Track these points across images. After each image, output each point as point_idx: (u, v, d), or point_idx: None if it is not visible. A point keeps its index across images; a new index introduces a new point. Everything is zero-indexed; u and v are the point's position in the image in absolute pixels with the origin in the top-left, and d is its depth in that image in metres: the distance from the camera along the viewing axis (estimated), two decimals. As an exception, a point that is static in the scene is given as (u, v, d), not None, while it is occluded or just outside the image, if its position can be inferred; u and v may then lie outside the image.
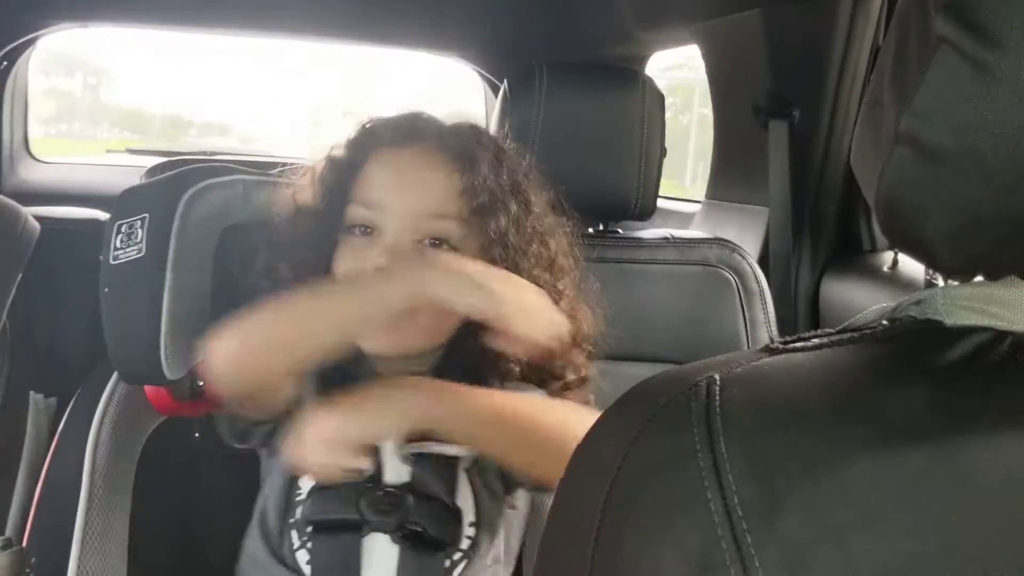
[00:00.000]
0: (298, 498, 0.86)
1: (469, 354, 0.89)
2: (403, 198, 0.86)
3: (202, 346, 0.84)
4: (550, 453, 0.74)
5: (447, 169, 0.87)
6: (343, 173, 0.91)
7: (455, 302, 0.77)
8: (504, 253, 0.87)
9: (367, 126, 0.93)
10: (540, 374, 0.92)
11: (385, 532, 0.83)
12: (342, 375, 0.87)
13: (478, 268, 0.80)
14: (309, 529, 0.84)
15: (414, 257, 0.83)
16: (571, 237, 0.97)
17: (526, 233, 0.90)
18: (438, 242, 0.87)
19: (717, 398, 0.37)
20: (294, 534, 0.85)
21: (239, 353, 0.82)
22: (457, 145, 0.89)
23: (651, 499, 0.36)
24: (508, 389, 0.89)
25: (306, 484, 0.86)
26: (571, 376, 0.93)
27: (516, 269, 0.88)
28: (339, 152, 0.93)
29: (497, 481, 0.90)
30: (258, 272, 0.92)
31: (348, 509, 0.83)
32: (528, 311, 0.79)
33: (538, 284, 0.89)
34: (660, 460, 0.36)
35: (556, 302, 0.91)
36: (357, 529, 0.83)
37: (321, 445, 0.79)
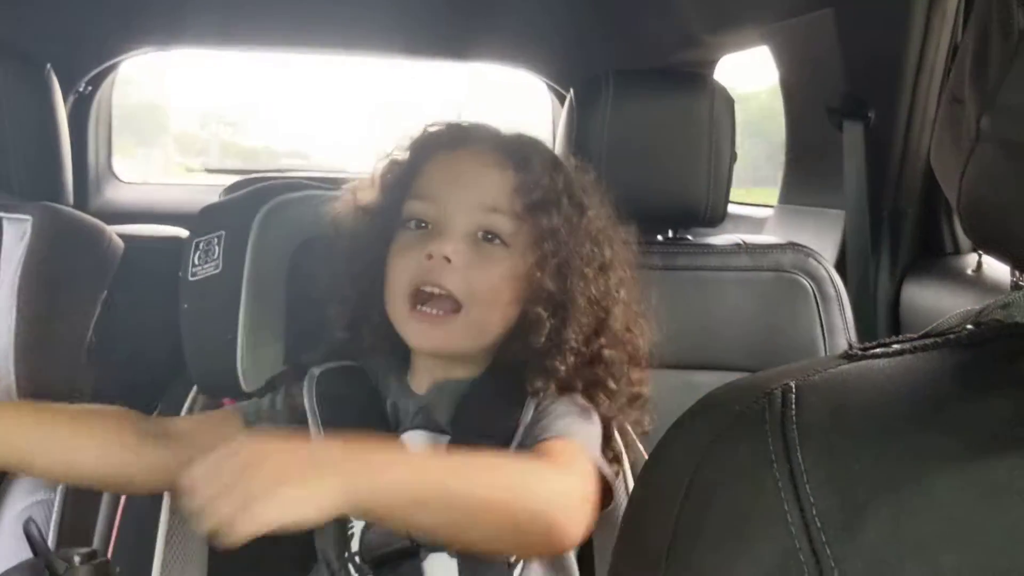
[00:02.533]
0: (350, 532, 0.86)
1: (517, 358, 0.89)
2: (457, 191, 0.88)
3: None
4: (496, 530, 0.68)
5: (501, 166, 0.89)
6: (403, 172, 0.93)
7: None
8: (556, 250, 0.88)
9: (428, 129, 0.95)
10: (591, 389, 0.91)
11: (440, 550, 0.83)
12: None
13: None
14: (368, 566, 0.84)
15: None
16: (633, 251, 0.96)
17: (579, 232, 0.90)
18: (491, 236, 0.87)
19: (793, 407, 0.36)
20: (351, 567, 0.85)
21: None
22: (511, 147, 0.91)
23: (725, 511, 0.35)
24: (551, 398, 0.88)
25: (358, 521, 0.86)
26: (622, 397, 0.91)
27: (567, 266, 0.88)
28: (399, 153, 0.95)
29: None
30: (323, 271, 0.94)
31: (399, 539, 0.82)
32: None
33: (587, 282, 0.88)
34: (734, 471, 0.36)
35: (609, 306, 0.90)
36: (415, 555, 0.83)
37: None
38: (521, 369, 0.89)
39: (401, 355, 0.94)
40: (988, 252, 0.41)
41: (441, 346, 0.88)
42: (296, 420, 0.91)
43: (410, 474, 0.66)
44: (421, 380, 0.92)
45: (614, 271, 0.92)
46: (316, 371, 0.92)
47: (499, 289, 0.87)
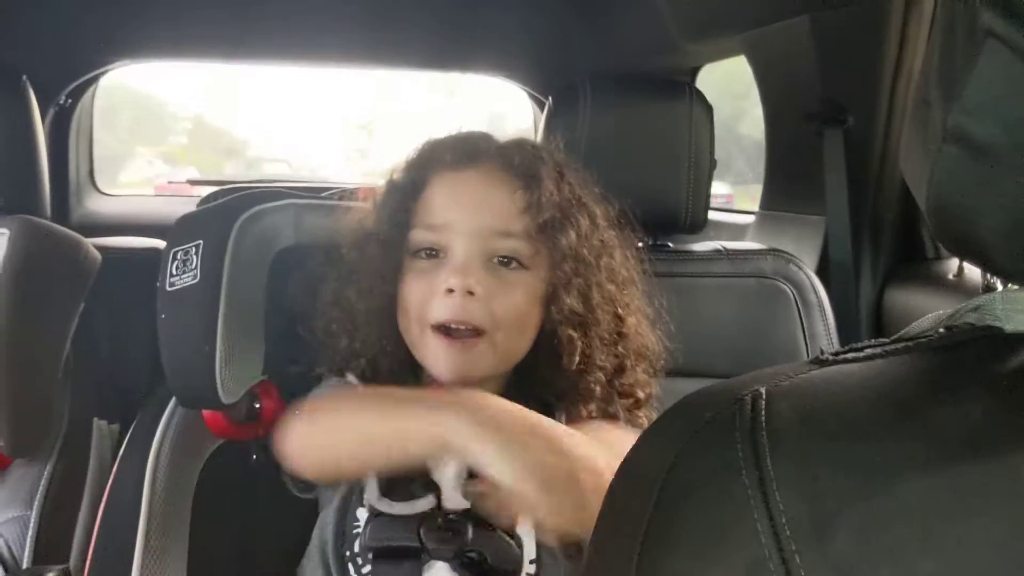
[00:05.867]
0: (355, 530, 0.86)
1: (539, 378, 0.89)
2: (467, 218, 0.85)
3: (283, 420, 0.85)
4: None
5: (510, 187, 0.86)
6: (405, 196, 0.90)
7: (480, 465, 0.74)
8: (576, 268, 0.86)
9: (426, 147, 0.92)
10: (609, 393, 0.90)
11: (444, 560, 0.82)
12: None
13: (545, 435, 0.74)
14: (369, 556, 0.84)
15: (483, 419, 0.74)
16: (633, 249, 0.95)
17: (595, 247, 0.88)
18: (507, 260, 0.86)
19: (763, 412, 0.36)
20: (350, 567, 0.85)
21: (319, 446, 0.83)
22: (519, 162, 0.87)
23: (694, 519, 0.35)
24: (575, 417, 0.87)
25: (363, 515, 0.86)
26: (640, 394, 0.91)
27: (587, 284, 0.87)
28: (399, 176, 0.92)
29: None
30: (327, 302, 0.92)
31: (408, 536, 0.82)
32: (555, 492, 0.71)
33: (610, 299, 0.88)
34: (704, 478, 0.35)
35: (625, 317, 0.90)
36: (417, 556, 0.82)
37: None
38: (542, 391, 0.88)
39: (413, 379, 0.92)
40: (957, 255, 0.41)
41: (468, 372, 0.85)
42: None
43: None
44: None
45: (623, 277, 0.92)
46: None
47: (524, 312, 0.86)
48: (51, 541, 1.12)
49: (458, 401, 0.76)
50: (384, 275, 0.89)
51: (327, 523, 0.88)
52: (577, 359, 0.87)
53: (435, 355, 0.85)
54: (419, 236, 0.87)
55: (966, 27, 0.36)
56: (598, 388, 0.88)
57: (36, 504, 1.13)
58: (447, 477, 0.84)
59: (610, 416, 0.90)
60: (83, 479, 1.20)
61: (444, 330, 0.84)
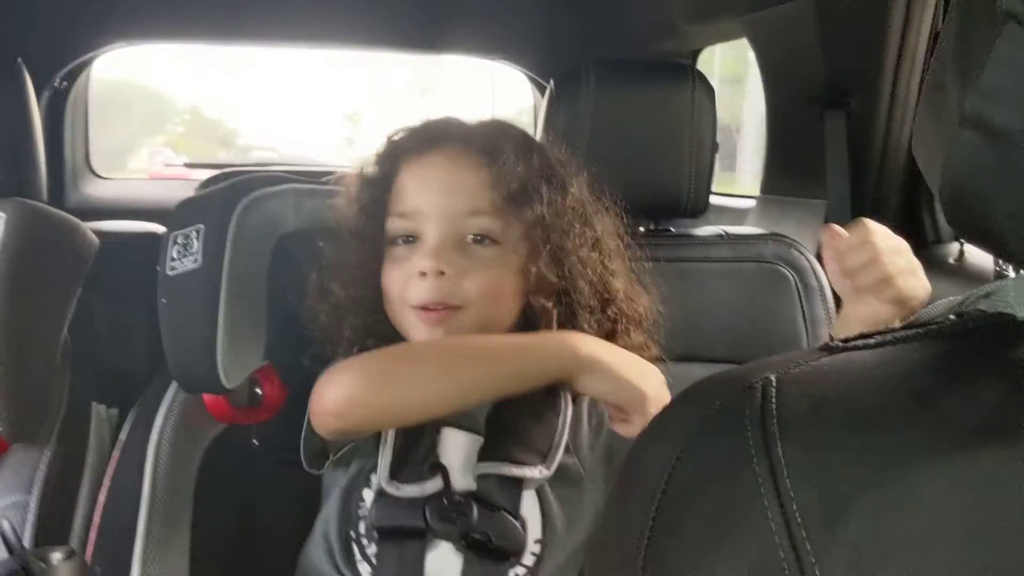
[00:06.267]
0: (360, 511, 0.87)
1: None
2: (436, 201, 0.87)
3: (317, 380, 0.85)
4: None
5: (475, 165, 0.88)
6: (377, 188, 0.92)
7: (606, 395, 0.84)
8: (544, 235, 0.88)
9: (393, 139, 0.94)
10: None
11: (449, 540, 0.83)
12: None
13: (621, 361, 0.84)
14: (375, 536, 0.84)
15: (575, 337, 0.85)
16: (618, 219, 0.96)
17: (566, 215, 0.90)
18: (480, 238, 0.87)
19: (773, 400, 0.35)
20: (355, 547, 0.86)
21: (368, 394, 0.82)
22: (481, 140, 0.90)
23: (704, 507, 0.34)
24: None
25: (369, 496, 0.87)
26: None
27: (560, 250, 0.88)
28: (370, 170, 0.94)
29: (572, 499, 0.89)
30: (312, 296, 0.93)
31: (413, 516, 0.83)
32: (655, 398, 0.82)
33: (586, 265, 0.89)
34: (713, 466, 0.35)
35: (608, 281, 0.90)
36: (421, 536, 0.83)
37: None
38: None
39: None
40: (971, 241, 0.40)
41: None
42: None
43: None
44: None
45: (605, 244, 0.93)
46: None
47: (499, 287, 0.87)
48: (51, 526, 1.12)
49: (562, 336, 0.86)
50: (365, 266, 0.91)
51: (334, 504, 0.89)
52: (556, 327, 0.88)
53: (417, 331, 0.88)
54: (393, 225, 0.90)
55: (984, 10, 0.35)
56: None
57: (35, 489, 1.13)
58: (456, 459, 0.84)
59: None
60: (82, 464, 1.19)
61: (423, 307, 0.86)
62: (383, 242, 0.91)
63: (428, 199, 0.88)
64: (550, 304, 0.88)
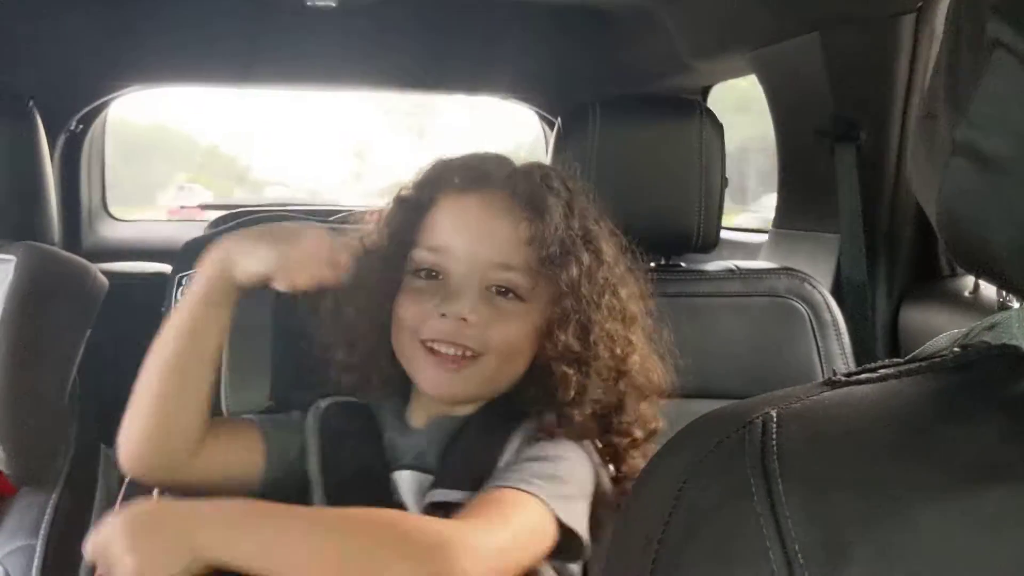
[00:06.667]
0: None
1: (528, 400, 0.87)
2: (469, 245, 0.84)
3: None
4: None
5: (516, 217, 0.85)
6: (411, 213, 0.89)
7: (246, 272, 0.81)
8: (576, 305, 0.84)
9: (436, 167, 0.91)
10: (606, 430, 0.89)
11: None
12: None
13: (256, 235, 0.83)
14: None
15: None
16: (643, 285, 0.93)
17: (598, 284, 0.86)
18: (504, 291, 0.85)
19: (774, 436, 0.35)
20: None
21: (135, 439, 0.83)
22: (526, 191, 0.86)
23: (704, 543, 0.33)
24: (550, 439, 0.85)
25: None
26: (638, 433, 0.89)
27: (589, 321, 0.85)
28: (407, 193, 0.91)
29: None
30: (324, 320, 0.91)
31: None
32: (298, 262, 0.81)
33: (611, 337, 0.86)
34: (713, 502, 0.34)
35: (628, 355, 0.88)
36: None
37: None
38: (513, 402, 0.87)
39: (403, 391, 0.91)
40: (969, 271, 0.39)
41: (456, 393, 0.86)
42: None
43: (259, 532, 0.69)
44: (419, 415, 0.90)
45: (629, 313, 0.89)
46: (323, 403, 0.91)
47: (517, 343, 0.85)
48: (57, 570, 1.11)
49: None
50: (384, 291, 0.88)
51: None
52: (572, 393, 0.85)
53: (423, 372, 0.85)
54: (420, 256, 0.87)
55: (973, 39, 0.35)
56: (581, 420, 0.85)
57: (42, 533, 1.12)
58: (410, 498, 0.83)
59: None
60: (90, 507, 1.19)
61: (434, 349, 0.84)
62: (405, 270, 0.88)
63: (461, 241, 0.85)
64: (571, 371, 0.85)
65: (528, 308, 0.85)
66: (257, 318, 0.97)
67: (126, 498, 1.00)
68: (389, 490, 0.85)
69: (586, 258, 0.86)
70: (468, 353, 0.83)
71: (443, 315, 0.82)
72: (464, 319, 0.82)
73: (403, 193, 0.92)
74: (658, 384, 0.90)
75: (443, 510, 0.80)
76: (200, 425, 0.83)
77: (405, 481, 0.86)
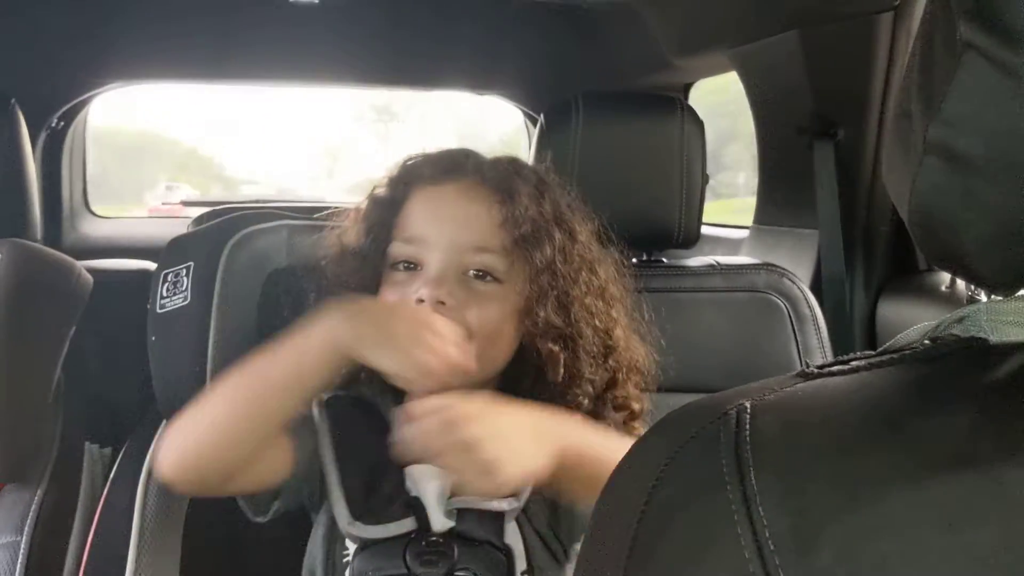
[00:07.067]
0: (344, 559, 0.85)
1: (524, 391, 0.88)
2: (444, 231, 0.86)
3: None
4: None
5: (487, 201, 0.87)
6: (385, 210, 0.91)
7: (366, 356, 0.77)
8: (553, 282, 0.87)
9: (408, 163, 0.93)
10: (603, 408, 0.90)
11: None
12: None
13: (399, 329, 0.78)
14: None
15: (336, 312, 0.79)
16: (619, 266, 0.96)
17: (574, 261, 0.89)
18: (482, 274, 0.86)
19: (747, 427, 0.36)
20: None
21: (190, 449, 0.80)
22: (495, 176, 0.89)
23: (679, 534, 0.34)
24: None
25: (352, 545, 0.85)
26: (636, 406, 0.92)
27: (567, 297, 0.87)
28: (381, 191, 0.93)
29: (551, 529, 0.88)
30: (309, 315, 0.92)
31: (395, 564, 0.81)
32: (435, 379, 0.77)
33: (592, 312, 0.88)
34: (688, 493, 0.35)
35: (611, 329, 0.90)
36: None
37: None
38: (537, 397, 0.88)
39: (393, 387, 0.91)
40: (940, 266, 0.41)
41: (427, 387, 0.83)
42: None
43: (585, 438, 0.81)
44: None
45: (608, 292, 0.92)
46: (324, 395, 0.91)
47: (497, 325, 0.86)
48: (42, 567, 1.11)
49: (324, 314, 0.79)
50: (365, 287, 0.90)
51: (317, 552, 0.87)
52: (562, 372, 0.87)
53: None
54: (397, 249, 0.88)
55: (945, 40, 0.36)
56: (586, 401, 0.88)
57: (27, 529, 1.12)
58: (430, 496, 0.83)
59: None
60: (75, 504, 1.19)
61: None
62: (384, 265, 0.89)
63: (436, 229, 0.87)
64: (556, 348, 0.87)
65: (506, 289, 0.87)
66: (243, 311, 0.97)
67: (109, 497, 1.00)
68: (404, 484, 0.85)
69: (559, 236, 0.88)
70: None
71: (420, 300, 0.84)
72: (441, 302, 0.83)
73: (377, 192, 0.93)
74: (644, 363, 0.93)
75: (487, 517, 0.82)
76: (262, 448, 0.81)
77: (422, 475, 0.85)
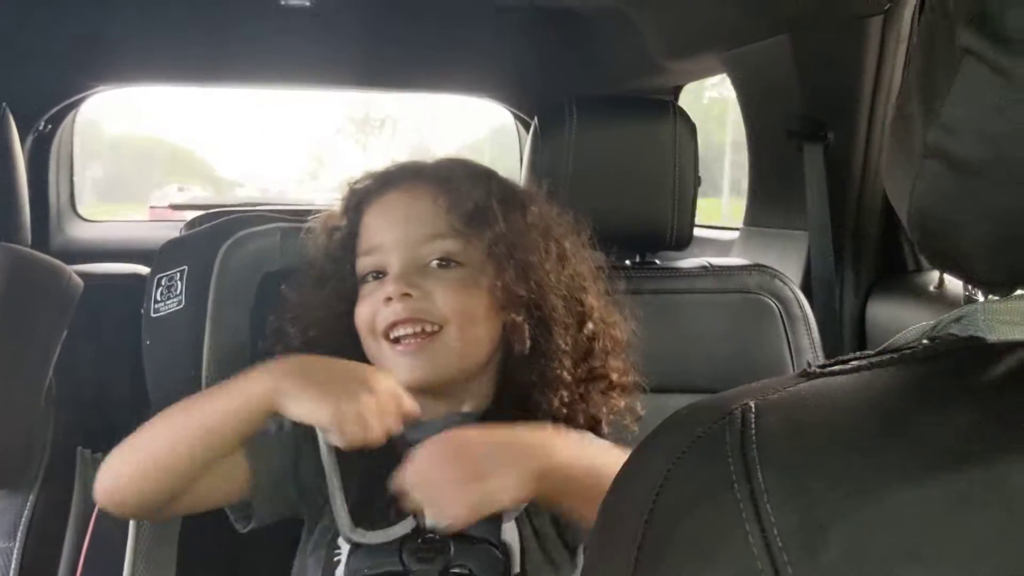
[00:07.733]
0: (336, 558, 0.85)
1: (512, 373, 0.89)
2: (396, 232, 0.89)
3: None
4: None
5: (430, 194, 0.90)
6: (343, 234, 0.94)
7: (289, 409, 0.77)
8: (507, 251, 0.88)
9: (355, 186, 0.96)
10: (582, 379, 0.91)
11: None
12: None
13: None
14: None
15: (271, 367, 0.80)
16: (588, 239, 0.97)
17: (528, 231, 0.90)
18: (445, 262, 0.88)
19: (753, 426, 0.36)
20: None
21: (125, 475, 0.82)
22: (434, 171, 0.92)
23: (687, 533, 0.35)
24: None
25: (345, 545, 0.85)
26: (614, 376, 0.92)
27: (527, 264, 0.88)
28: (335, 222, 0.95)
29: (550, 527, 0.88)
30: (293, 340, 0.92)
31: (391, 561, 0.82)
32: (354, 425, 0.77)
33: (557, 279, 0.89)
34: (695, 493, 0.35)
35: (581, 298, 0.91)
36: None
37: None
38: (527, 399, 0.88)
39: None
40: (939, 267, 0.41)
41: (426, 373, 0.86)
42: (305, 443, 0.88)
43: (573, 453, 0.80)
44: (427, 414, 0.90)
45: (574, 261, 0.93)
46: None
47: (470, 306, 0.87)
48: (35, 574, 1.10)
49: (265, 365, 0.81)
50: (326, 309, 0.92)
51: (311, 552, 0.87)
52: (530, 343, 0.87)
53: (394, 363, 0.86)
54: (361, 264, 0.91)
55: (945, 45, 0.37)
56: (565, 373, 0.88)
57: (19, 535, 1.11)
58: None
59: (584, 401, 0.91)
60: (67, 509, 1.18)
61: (395, 338, 0.86)
62: (355, 287, 0.91)
63: (388, 233, 0.89)
64: (520, 318, 0.88)
65: (470, 272, 0.88)
66: (237, 314, 0.97)
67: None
68: None
69: (505, 210, 0.90)
70: (428, 328, 0.86)
71: (388, 299, 0.86)
72: (407, 294, 0.85)
73: (331, 223, 0.95)
74: (622, 337, 0.94)
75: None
76: (196, 479, 0.82)
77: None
